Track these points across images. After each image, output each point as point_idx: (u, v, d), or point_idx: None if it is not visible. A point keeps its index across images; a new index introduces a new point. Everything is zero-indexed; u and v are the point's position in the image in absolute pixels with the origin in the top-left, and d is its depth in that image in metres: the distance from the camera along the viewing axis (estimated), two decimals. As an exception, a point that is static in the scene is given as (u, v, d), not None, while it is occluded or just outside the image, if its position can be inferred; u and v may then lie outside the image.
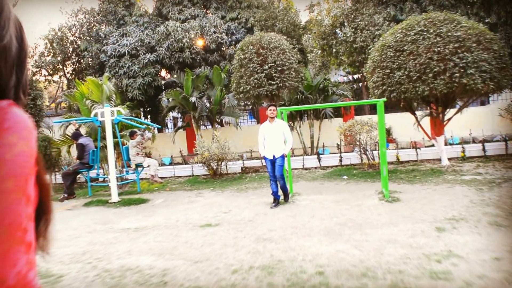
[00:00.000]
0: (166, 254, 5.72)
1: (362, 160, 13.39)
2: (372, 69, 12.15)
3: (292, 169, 13.51)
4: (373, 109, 20.46)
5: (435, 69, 10.69)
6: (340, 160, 14.53)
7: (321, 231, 6.41)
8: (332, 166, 14.45)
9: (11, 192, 0.80)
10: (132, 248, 6.16)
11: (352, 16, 18.53)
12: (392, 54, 11.44)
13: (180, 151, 19.06)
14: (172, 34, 19.18)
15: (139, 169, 11.86)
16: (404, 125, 16.67)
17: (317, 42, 20.96)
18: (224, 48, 20.96)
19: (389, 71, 11.49)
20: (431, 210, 7.29)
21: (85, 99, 12.44)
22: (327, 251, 5.36)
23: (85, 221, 8.54)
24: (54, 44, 22.88)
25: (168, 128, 24.76)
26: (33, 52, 24.73)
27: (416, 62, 10.97)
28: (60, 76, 25.55)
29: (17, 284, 0.79)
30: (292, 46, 14.63)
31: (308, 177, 12.77)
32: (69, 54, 23.33)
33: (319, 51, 22.11)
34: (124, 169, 12.55)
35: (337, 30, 19.89)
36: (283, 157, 8.63)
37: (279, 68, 13.57)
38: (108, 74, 14.58)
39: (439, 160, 13.28)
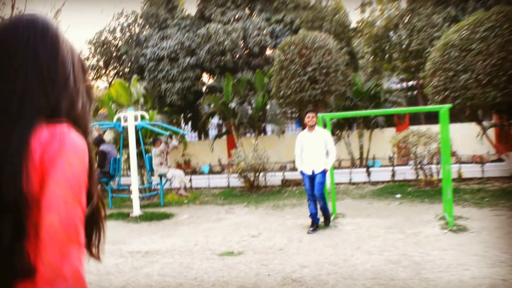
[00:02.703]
0: (166, 297, 4.52)
1: (418, 176, 11.71)
2: (432, 72, 10.53)
3: (336, 183, 12.05)
4: (429, 118, 18.58)
5: (510, 71, 8.99)
6: (393, 175, 12.89)
7: (367, 271, 5.00)
8: (383, 182, 12.82)
9: (69, 202, 1.00)
10: (129, 283, 5.00)
11: (408, 17, 16.89)
12: (456, 54, 9.81)
13: (219, 160, 17.99)
14: (213, 36, 18.19)
15: (163, 180, 10.79)
16: (465, 136, 14.77)
17: (368, 45, 19.39)
18: (269, 52, 19.78)
19: (452, 74, 9.86)
20: (510, 246, 5.72)
21: (111, 103, 11.55)
22: (374, 307, 3.97)
23: (96, 240, 7.50)
24: (98, 48, 22.65)
25: (209, 136, 23.82)
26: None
27: (486, 63, 9.30)
28: (104, 81, 25.33)
29: (71, 276, 0.97)
30: (339, 47, 13.14)
31: (355, 194, 11.27)
32: (112, 59, 22.98)
33: (371, 57, 20.53)
34: (148, 180, 11.56)
35: (391, 33, 18.31)
36: (324, 172, 7.26)
37: (324, 71, 12.11)
38: (136, 76, 13.71)
39: (509, 178, 11.42)
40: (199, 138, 23.08)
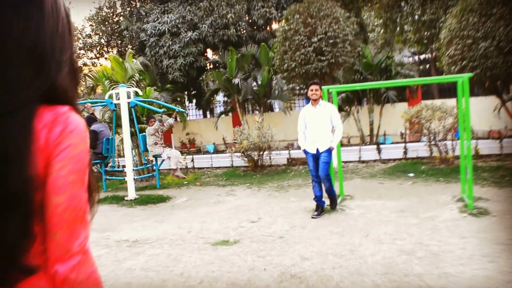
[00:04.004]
0: (144, 297, 3.94)
1: (432, 153, 10.97)
2: (448, 40, 9.70)
3: (345, 162, 11.39)
4: (442, 92, 17.73)
5: (536, 38, 8.19)
6: (405, 152, 12.15)
7: (378, 264, 4.38)
8: (394, 159, 12.11)
9: (75, 183, 1.02)
10: (107, 279, 4.42)
11: (422, -16, 15.91)
12: (476, 19, 8.97)
13: (223, 138, 17.37)
14: (215, 9, 17.36)
15: (158, 161, 10.19)
16: (480, 111, 13.91)
17: (379, 16, 18.45)
18: (275, 26, 18.90)
19: (471, 41, 9.04)
20: (539, 232, 5.06)
21: (105, 79, 10.87)
22: (385, 312, 3.35)
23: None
24: (100, 25, 21.97)
25: (213, 113, 23.18)
26: (80, 34, 23.95)
27: (508, 28, 8.47)
28: (106, 59, 24.66)
29: (79, 251, 1.02)
30: (347, 15, 12.23)
31: (365, 173, 10.59)
32: (113, 35, 22.27)
33: (382, 29, 19.60)
34: (143, 161, 10.97)
35: (402, 3, 17.37)
36: (329, 151, 6.59)
37: (330, 41, 11.26)
38: (133, 51, 12.99)
39: (530, 154, 10.66)
40: (204, 116, 22.46)
